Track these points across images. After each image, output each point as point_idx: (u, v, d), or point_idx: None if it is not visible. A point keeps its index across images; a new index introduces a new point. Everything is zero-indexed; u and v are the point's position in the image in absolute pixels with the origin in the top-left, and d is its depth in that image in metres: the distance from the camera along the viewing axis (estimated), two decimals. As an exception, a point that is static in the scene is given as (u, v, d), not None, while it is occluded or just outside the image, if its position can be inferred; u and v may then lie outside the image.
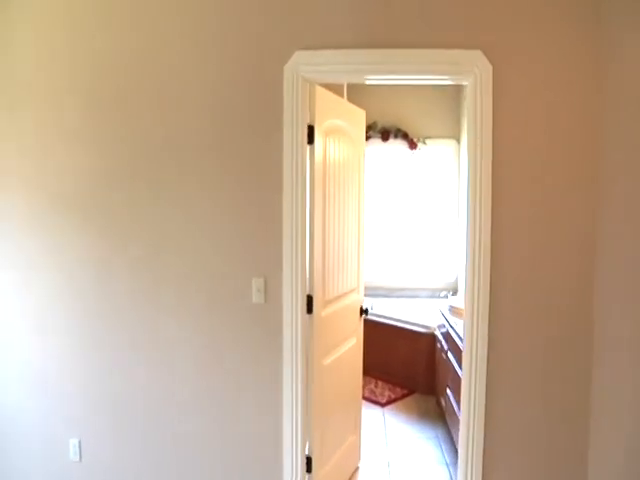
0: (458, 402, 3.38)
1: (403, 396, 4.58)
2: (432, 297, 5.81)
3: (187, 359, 2.62)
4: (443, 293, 5.75)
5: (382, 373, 4.86)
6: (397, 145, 5.67)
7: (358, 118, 3.19)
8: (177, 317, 2.61)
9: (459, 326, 3.52)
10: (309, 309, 2.61)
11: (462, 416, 2.54)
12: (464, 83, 2.48)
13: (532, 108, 2.40)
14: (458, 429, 3.41)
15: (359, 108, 3.18)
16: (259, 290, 2.54)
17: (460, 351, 3.30)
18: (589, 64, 2.38)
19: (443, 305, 4.25)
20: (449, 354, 3.73)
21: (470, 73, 2.39)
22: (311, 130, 2.54)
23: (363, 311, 3.33)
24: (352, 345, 3.18)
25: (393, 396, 4.55)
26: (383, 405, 4.38)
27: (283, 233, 2.51)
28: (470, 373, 2.47)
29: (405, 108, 5.67)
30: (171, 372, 2.64)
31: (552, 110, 2.39)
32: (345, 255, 3.04)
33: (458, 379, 3.34)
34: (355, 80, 2.52)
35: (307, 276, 2.58)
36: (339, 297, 2.98)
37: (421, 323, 4.70)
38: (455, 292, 5.76)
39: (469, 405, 2.48)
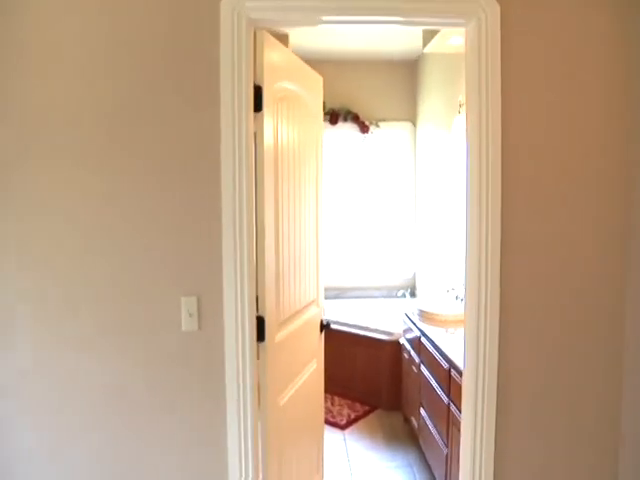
0: (436, 425, 2.81)
1: (365, 414, 3.97)
2: (388, 297, 5.26)
3: (85, 412, 1.86)
4: (400, 292, 5.21)
5: (338, 387, 4.23)
6: (347, 129, 5.04)
7: (315, 84, 2.52)
8: (67, 354, 1.84)
9: (436, 335, 2.95)
10: (260, 335, 1.93)
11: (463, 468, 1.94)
12: (461, 29, 1.86)
13: (551, 64, 1.81)
14: (436, 455, 2.86)
15: (315, 72, 2.51)
16: (191, 314, 1.83)
17: (439, 365, 2.72)
18: (622, 8, 1.82)
19: (410, 308, 3.67)
20: (422, 368, 3.15)
21: (471, 16, 1.77)
22: (258, 92, 1.85)
23: (324, 326, 2.68)
24: (312, 371, 2.52)
25: (353, 415, 3.94)
26: (343, 427, 3.76)
27: (223, 235, 1.81)
28: (475, 407, 1.88)
29: (356, 88, 5.04)
30: (63, 431, 1.88)
31: (576, 67, 1.82)
32: (302, 261, 2.37)
33: (436, 398, 2.77)
34: (316, 23, 1.84)
35: (256, 291, 1.91)
36: (296, 313, 2.31)
37: (382, 329, 4.11)
38: (413, 290, 5.24)
39: (472, 455, 1.89)
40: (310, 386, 2.48)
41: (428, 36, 3.24)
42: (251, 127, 1.80)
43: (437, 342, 2.83)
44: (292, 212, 2.21)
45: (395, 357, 3.96)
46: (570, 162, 1.84)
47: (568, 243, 1.86)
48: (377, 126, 5.04)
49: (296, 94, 2.23)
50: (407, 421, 3.67)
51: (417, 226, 5.13)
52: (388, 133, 5.08)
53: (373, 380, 4.10)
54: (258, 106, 1.84)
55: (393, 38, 4.23)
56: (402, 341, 3.82)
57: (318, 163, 2.58)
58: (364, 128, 5.03)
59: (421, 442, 3.21)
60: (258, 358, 1.91)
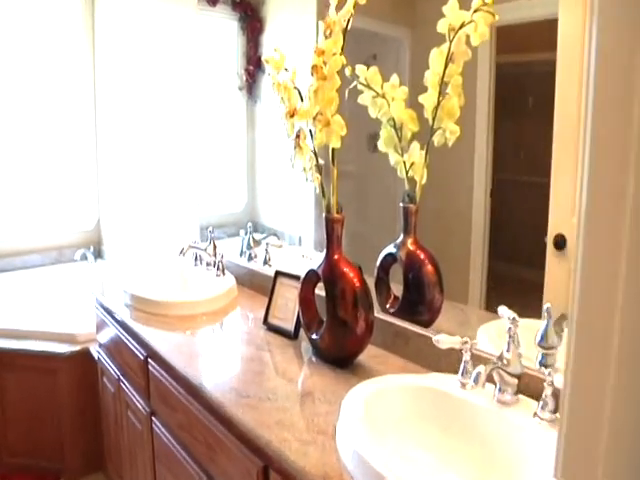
0: None
1: (33, 498, 2.00)
2: (59, 262, 3.19)
3: None
4: (79, 253, 3.18)
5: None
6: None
7: None
8: None
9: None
10: None
11: None
12: None
13: None
14: None
15: None
16: None
17: (230, 453, 1.08)
18: None
19: (105, 287, 1.81)
20: (158, 426, 1.43)
21: None
22: None
23: None
24: None
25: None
26: None
27: None
28: None
29: None
30: None
31: None
32: None
33: (221, 446, 1.14)
34: None
35: None
36: None
37: (55, 330, 2.13)
38: (98, 248, 3.29)
39: None
40: None
41: None
42: None
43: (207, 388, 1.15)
44: None
45: (84, 378, 2.07)
46: None
47: None
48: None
49: None
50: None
51: (100, 149, 3.15)
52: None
53: (45, 429, 2.11)
54: None
55: None
56: (95, 352, 1.96)
57: None
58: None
59: None
60: None
